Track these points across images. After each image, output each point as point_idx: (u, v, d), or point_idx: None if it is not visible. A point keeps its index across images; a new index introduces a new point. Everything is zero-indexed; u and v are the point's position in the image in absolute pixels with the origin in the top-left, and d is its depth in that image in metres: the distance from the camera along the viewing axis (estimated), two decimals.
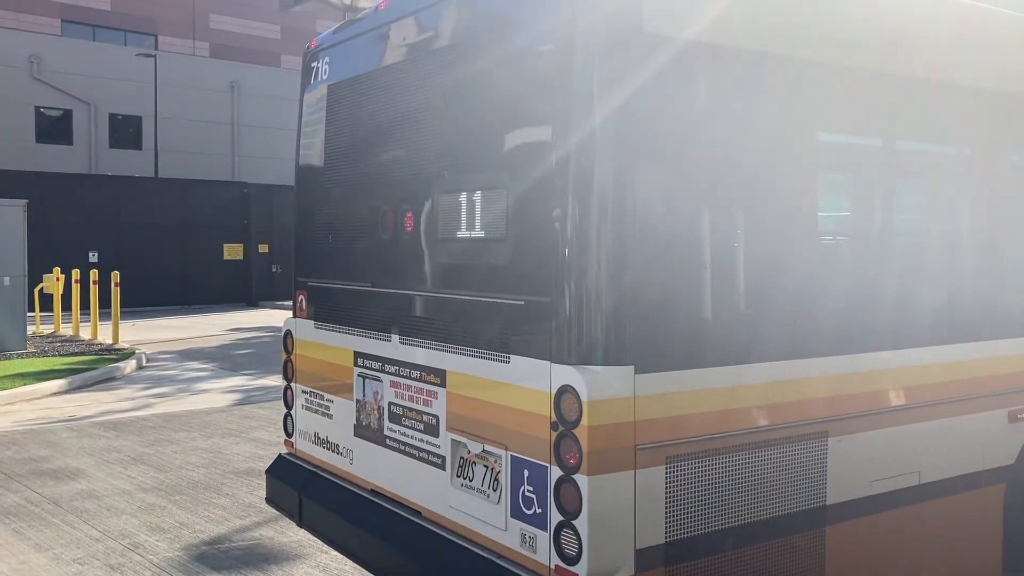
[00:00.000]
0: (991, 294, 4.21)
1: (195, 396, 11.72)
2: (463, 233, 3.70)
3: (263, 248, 28.41)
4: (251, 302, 27.79)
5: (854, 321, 3.68)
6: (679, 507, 3.16)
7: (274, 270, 28.16)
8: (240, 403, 11.21)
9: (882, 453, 3.73)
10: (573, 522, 3.04)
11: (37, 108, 33.39)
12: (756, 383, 3.35)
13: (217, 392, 11.99)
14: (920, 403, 3.86)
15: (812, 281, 3.57)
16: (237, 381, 12.93)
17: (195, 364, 14.67)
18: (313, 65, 4.84)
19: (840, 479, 3.56)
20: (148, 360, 14.87)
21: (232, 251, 28.17)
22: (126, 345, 16.02)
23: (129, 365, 13.82)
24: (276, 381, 12.57)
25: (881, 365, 3.73)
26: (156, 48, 38.73)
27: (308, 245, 4.94)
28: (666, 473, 3.13)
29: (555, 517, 3.11)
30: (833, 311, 3.61)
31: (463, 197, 3.66)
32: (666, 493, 3.13)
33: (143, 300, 24.47)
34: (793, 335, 3.47)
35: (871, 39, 3.80)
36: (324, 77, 4.73)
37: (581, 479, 3.01)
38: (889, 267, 3.87)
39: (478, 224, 3.61)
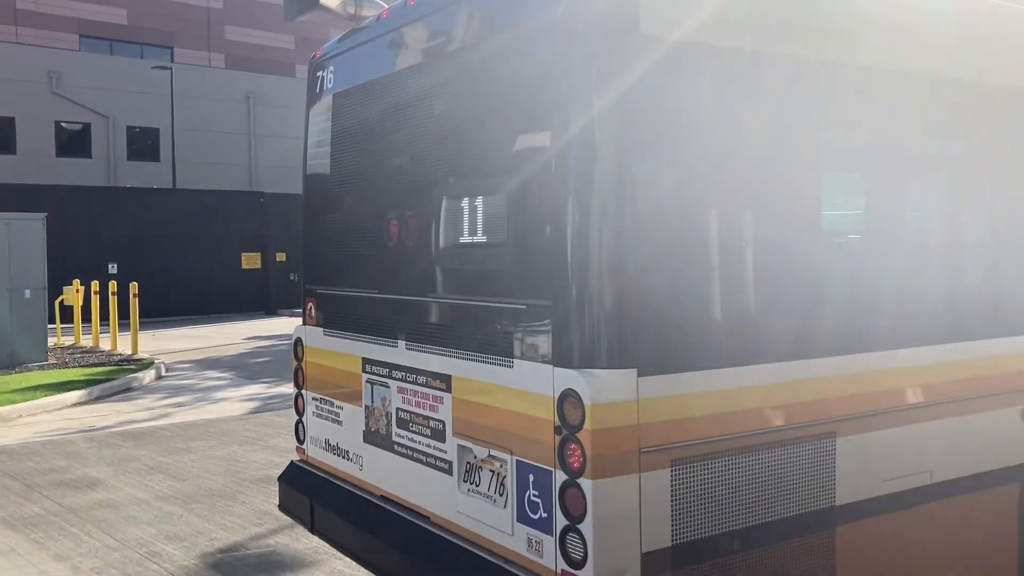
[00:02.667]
0: (1002, 290, 4.17)
1: (213, 405, 11.80)
2: (466, 238, 3.71)
3: (281, 257, 28.57)
4: (270, 310, 27.95)
5: (861, 320, 3.65)
6: (685, 510, 3.14)
7: (292, 278, 28.28)
8: (257, 411, 11.27)
9: (892, 453, 3.69)
10: (578, 526, 3.03)
11: (57, 123, 33.77)
12: (761, 384, 3.33)
13: (235, 400, 12.07)
14: (930, 402, 3.82)
15: (817, 280, 3.55)
16: (255, 389, 13.01)
17: (213, 373, 14.77)
18: (318, 74, 4.87)
19: (849, 480, 3.53)
20: (167, 370, 14.98)
21: (250, 260, 28.34)
22: (145, 355, 16.16)
23: (148, 375, 13.93)
24: (292, 389, 12.62)
25: (889, 364, 3.70)
26: (172, 60, 39.10)
27: (316, 253, 4.97)
28: (671, 476, 3.11)
29: (560, 521, 3.11)
30: (839, 310, 3.58)
31: (465, 202, 3.67)
32: (672, 496, 3.11)
33: (162, 310, 24.68)
34: (798, 335, 3.45)
35: (870, 36, 3.77)
36: (329, 86, 4.76)
37: (585, 483, 3.00)
38: (896, 265, 3.83)
39: (480, 229, 3.61)
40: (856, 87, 3.71)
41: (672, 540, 3.12)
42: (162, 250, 25.90)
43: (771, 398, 3.37)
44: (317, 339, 4.85)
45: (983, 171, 4.25)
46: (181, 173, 33.69)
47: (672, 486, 3.11)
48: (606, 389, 3.00)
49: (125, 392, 12.92)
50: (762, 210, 3.44)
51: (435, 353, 3.82)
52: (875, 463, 3.64)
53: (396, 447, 4.09)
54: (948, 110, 4.03)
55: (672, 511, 3.12)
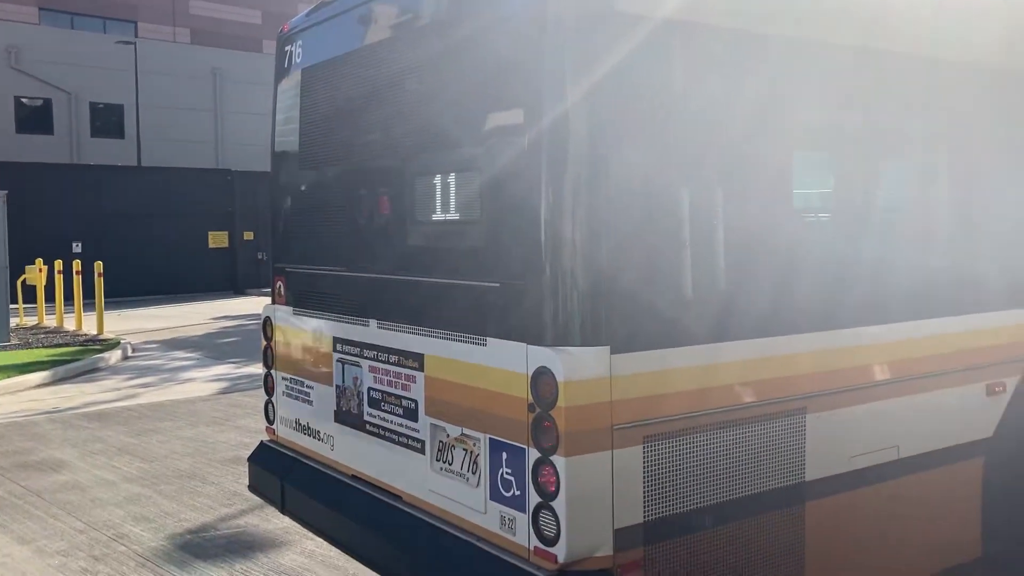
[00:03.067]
0: (967, 268, 4.22)
1: (181, 385, 11.68)
2: (438, 215, 3.67)
3: (248, 235, 28.25)
4: (237, 290, 27.68)
5: (831, 298, 3.67)
6: (657, 486, 3.16)
7: (260, 257, 28.01)
8: (226, 391, 11.18)
9: (861, 429, 3.74)
10: (551, 504, 3.03)
11: (16, 98, 33.05)
12: (733, 361, 3.34)
13: (203, 381, 11.95)
14: (898, 378, 3.86)
15: (788, 258, 3.56)
16: (223, 369, 12.89)
17: (181, 353, 14.61)
18: (287, 49, 4.79)
19: (818, 455, 3.57)
20: (133, 350, 14.80)
21: (217, 239, 28.01)
22: (111, 335, 15.94)
23: (114, 355, 13.75)
24: (261, 369, 12.53)
25: (859, 341, 3.73)
26: (136, 35, 38.37)
27: (285, 231, 4.91)
28: (644, 452, 3.12)
29: (533, 499, 3.11)
30: (809, 288, 3.60)
31: (437, 179, 3.64)
32: (644, 472, 3.12)
33: (128, 290, 24.33)
34: (769, 313, 3.46)
35: (851, 15, 3.78)
36: (298, 61, 4.67)
37: (559, 460, 3.00)
38: (866, 243, 3.86)
39: (452, 206, 3.58)
40: (834, 67, 3.71)
41: (644, 516, 3.13)
42: (127, 229, 25.50)
43: (742, 375, 3.38)
44: (287, 318, 4.80)
45: (953, 150, 4.28)
46: (146, 150, 33.15)
47: (644, 463, 3.12)
48: (580, 366, 3.00)
49: (91, 373, 12.74)
50: (735, 191, 3.44)
51: (407, 332, 3.79)
52: (844, 439, 3.68)
53: (368, 427, 4.07)
54: (917, 90, 4.04)
55: (644, 487, 3.13)
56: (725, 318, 3.36)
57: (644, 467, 3.12)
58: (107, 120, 34.92)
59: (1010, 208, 4.38)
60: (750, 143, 3.48)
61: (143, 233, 25.81)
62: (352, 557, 4.29)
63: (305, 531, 4.99)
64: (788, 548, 3.51)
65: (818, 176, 3.96)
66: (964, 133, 4.26)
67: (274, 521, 5.96)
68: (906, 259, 3.98)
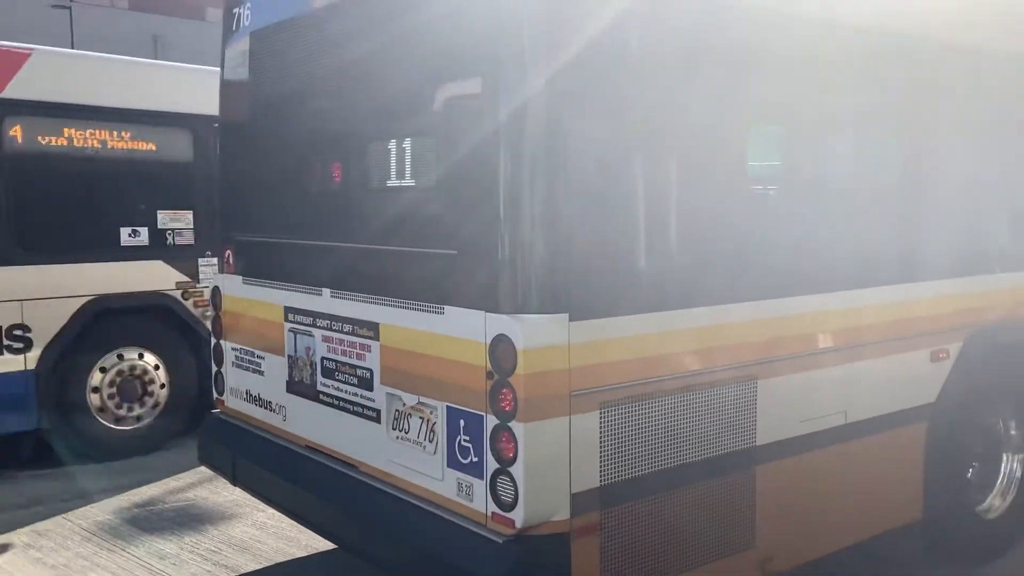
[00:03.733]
0: (912, 238, 4.32)
1: None
2: (394, 182, 3.63)
3: None
4: None
5: (781, 268, 3.73)
6: (613, 451, 3.19)
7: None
8: None
9: (809, 394, 3.81)
10: (509, 469, 3.04)
11: None
12: (687, 328, 3.38)
13: None
14: (845, 345, 3.94)
15: (741, 230, 3.60)
16: None
17: None
18: (235, 11, 4.66)
19: (769, 421, 3.63)
20: None
21: None
22: None
23: None
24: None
25: (807, 310, 3.80)
26: None
27: (234, 199, 4.81)
28: (600, 418, 3.14)
29: (491, 465, 3.11)
30: (761, 258, 3.64)
31: (392, 145, 3.59)
32: (600, 438, 3.15)
33: None
34: (722, 281, 3.50)
35: None
36: (247, 23, 4.56)
37: (517, 426, 3.01)
38: (814, 215, 3.92)
39: (409, 173, 3.54)
40: (789, 40, 3.72)
41: (601, 480, 3.16)
42: None
43: (696, 342, 3.43)
44: (236, 288, 4.71)
45: (902, 123, 4.35)
46: None
47: (601, 428, 3.15)
48: (538, 333, 3.00)
49: None
50: (690, 163, 3.46)
51: (362, 301, 3.75)
52: (793, 404, 3.75)
53: (321, 397, 4.03)
54: (868, 64, 4.09)
55: (601, 452, 3.16)
56: (680, 287, 3.39)
57: (600, 432, 3.15)
58: None
59: (954, 180, 4.49)
60: (707, 118, 3.49)
61: None
62: (306, 527, 4.27)
63: (256, 503, 4.95)
64: (739, 510, 3.58)
65: (769, 149, 4.00)
66: (916, 107, 4.34)
67: (224, 494, 5.89)
68: (853, 230, 4.05)
